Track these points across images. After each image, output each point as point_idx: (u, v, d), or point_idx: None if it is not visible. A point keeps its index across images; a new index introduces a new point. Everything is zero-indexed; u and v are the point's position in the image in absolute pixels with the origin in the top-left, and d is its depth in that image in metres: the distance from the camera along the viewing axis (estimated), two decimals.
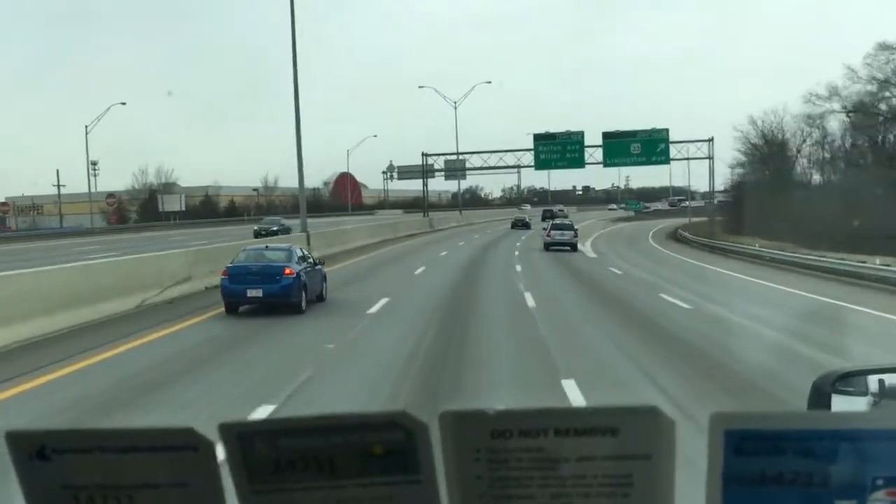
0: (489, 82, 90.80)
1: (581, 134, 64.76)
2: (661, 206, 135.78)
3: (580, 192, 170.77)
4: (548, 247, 38.99)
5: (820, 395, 2.08)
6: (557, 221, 44.57)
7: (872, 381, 2.12)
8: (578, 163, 65.20)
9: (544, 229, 42.98)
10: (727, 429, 0.81)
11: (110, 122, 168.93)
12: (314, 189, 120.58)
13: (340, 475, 0.83)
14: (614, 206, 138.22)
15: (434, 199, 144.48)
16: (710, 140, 64.93)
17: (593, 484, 0.83)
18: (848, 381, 2.15)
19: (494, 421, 0.82)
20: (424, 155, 73.35)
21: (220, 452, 0.83)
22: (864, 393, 2.11)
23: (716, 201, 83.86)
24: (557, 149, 64.59)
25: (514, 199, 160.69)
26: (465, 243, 45.75)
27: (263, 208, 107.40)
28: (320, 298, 17.75)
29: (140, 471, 0.84)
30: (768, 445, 0.80)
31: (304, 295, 16.36)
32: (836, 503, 0.81)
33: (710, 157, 64.58)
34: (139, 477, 0.84)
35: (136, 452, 0.83)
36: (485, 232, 63.45)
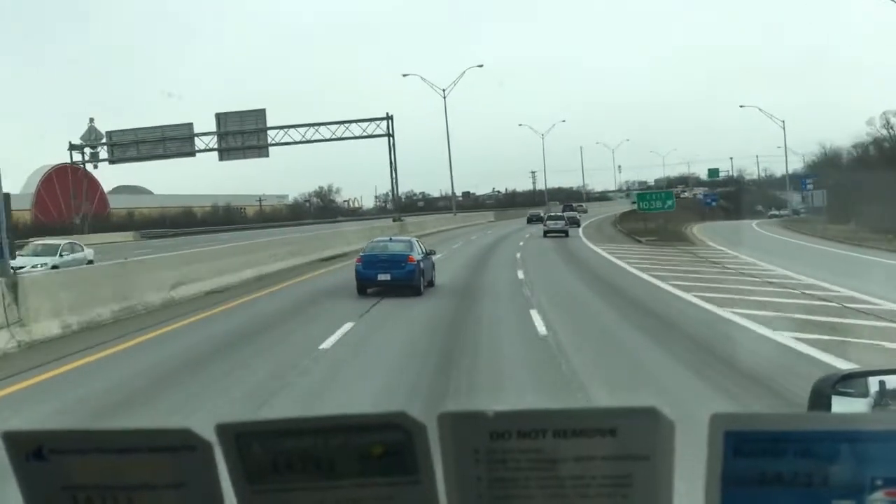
0: None
1: None
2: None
3: (461, 197, 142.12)
4: (545, 234, 49.33)
5: (820, 397, 2.08)
6: (552, 213, 58.75)
7: (873, 383, 2.12)
8: None
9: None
10: (727, 430, 0.81)
11: None
12: None
13: (339, 476, 0.83)
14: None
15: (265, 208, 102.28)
16: None
17: (592, 485, 0.83)
18: (848, 382, 2.15)
19: (493, 422, 0.82)
20: None
21: (219, 453, 0.83)
22: (865, 395, 2.11)
23: (806, 189, 66.94)
24: None
25: (385, 207, 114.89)
26: None
27: None
28: (430, 284, 20.72)
29: (138, 471, 0.84)
30: (768, 446, 0.80)
31: (422, 279, 19.69)
32: (835, 503, 0.81)
33: None
34: (137, 477, 0.84)
35: (134, 453, 0.83)
36: None
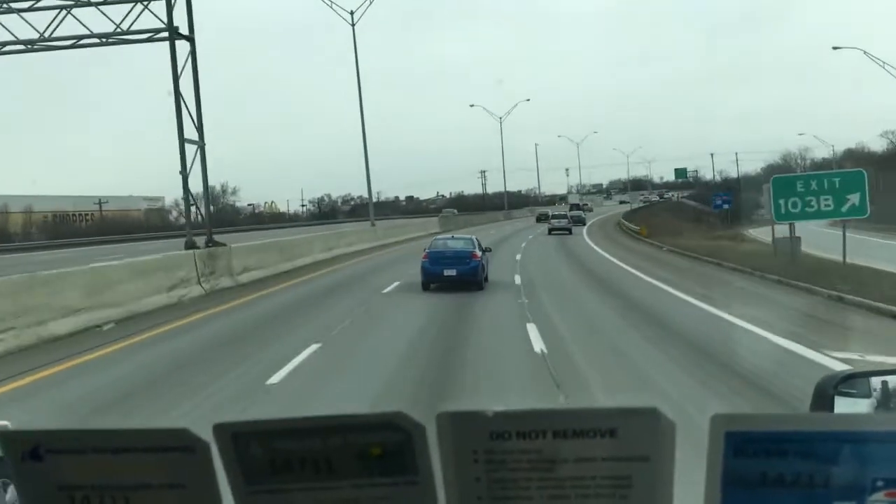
0: None
1: None
2: (646, 197, 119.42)
3: (404, 202, 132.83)
4: (550, 231, 52.55)
5: (822, 398, 2.07)
6: (556, 213, 61.37)
7: (876, 383, 2.12)
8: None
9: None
10: (728, 430, 0.80)
11: None
12: None
13: (337, 476, 0.83)
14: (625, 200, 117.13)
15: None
16: None
17: (592, 486, 0.83)
18: (851, 383, 2.15)
19: (492, 422, 0.81)
20: None
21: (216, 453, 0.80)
22: (868, 395, 2.10)
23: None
24: None
25: (321, 212, 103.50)
26: None
27: None
28: (486, 279, 21.50)
29: (135, 471, 0.83)
30: (769, 447, 0.80)
31: (483, 275, 20.73)
32: None
33: None
34: (135, 478, 0.84)
35: (132, 453, 0.83)
36: None
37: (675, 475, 0.82)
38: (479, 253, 20.87)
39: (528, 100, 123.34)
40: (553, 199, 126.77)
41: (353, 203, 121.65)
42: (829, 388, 2.10)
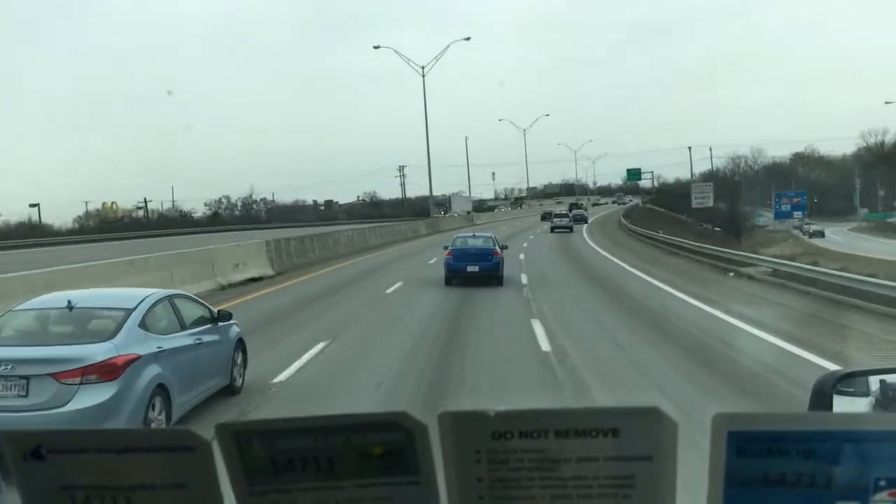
0: None
1: None
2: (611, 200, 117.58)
3: (322, 207, 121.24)
4: (552, 229, 54.30)
5: (821, 397, 2.07)
6: (558, 212, 64.08)
7: (874, 382, 2.12)
8: None
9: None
10: (730, 430, 0.80)
11: None
12: None
13: (339, 476, 0.83)
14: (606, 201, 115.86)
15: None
16: None
17: (594, 485, 0.83)
18: (849, 382, 2.15)
19: (495, 422, 0.81)
20: None
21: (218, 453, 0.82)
22: (866, 394, 2.11)
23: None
24: None
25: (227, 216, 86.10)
26: None
27: None
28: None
29: (137, 471, 0.83)
30: (771, 446, 0.80)
31: (502, 271, 21.99)
32: None
33: None
34: (136, 477, 0.83)
35: (133, 453, 0.83)
36: None
37: (677, 475, 0.82)
38: (499, 250, 22.00)
39: (469, 38, 75.80)
40: (483, 204, 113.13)
41: (253, 206, 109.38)
42: (827, 387, 2.10)
